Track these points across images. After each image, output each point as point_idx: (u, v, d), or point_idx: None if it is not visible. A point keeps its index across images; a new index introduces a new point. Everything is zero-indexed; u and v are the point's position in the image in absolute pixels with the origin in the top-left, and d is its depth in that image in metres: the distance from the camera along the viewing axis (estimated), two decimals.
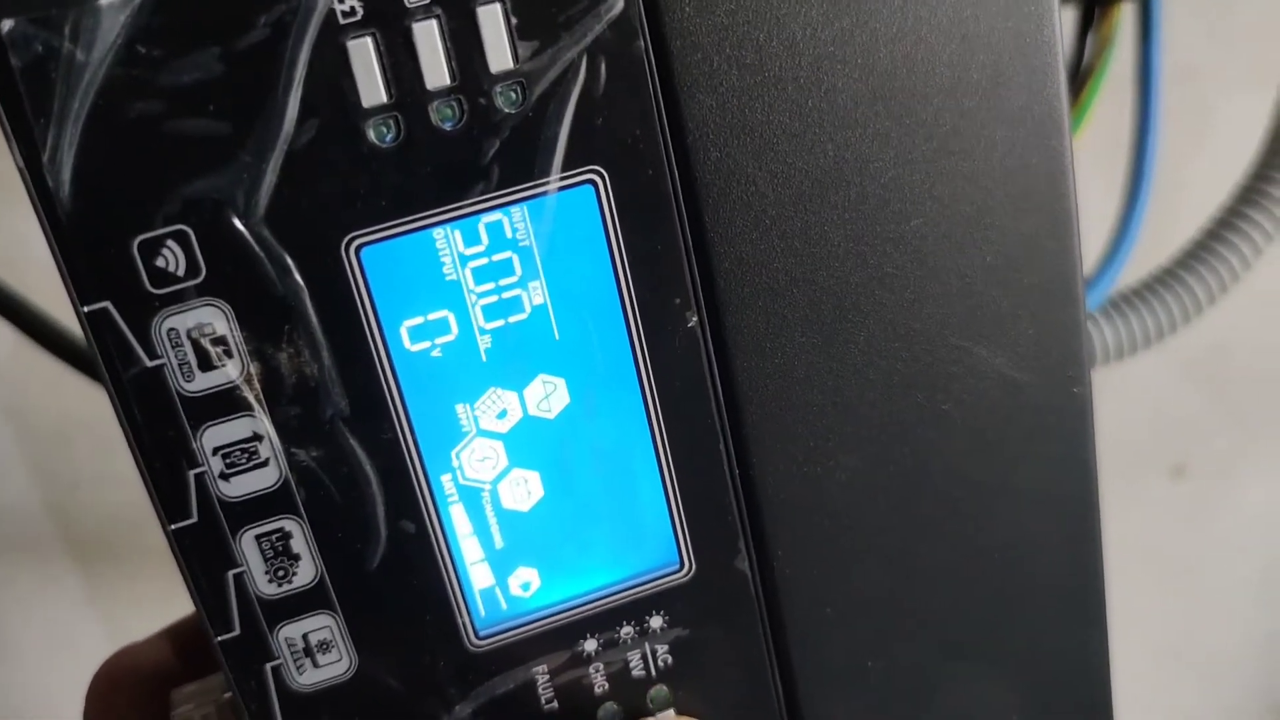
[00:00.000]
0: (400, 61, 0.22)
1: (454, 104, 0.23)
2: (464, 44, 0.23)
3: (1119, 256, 0.40)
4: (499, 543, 0.26)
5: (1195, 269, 0.40)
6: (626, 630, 0.27)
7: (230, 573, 0.25)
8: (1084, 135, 0.39)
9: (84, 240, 0.22)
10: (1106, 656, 0.30)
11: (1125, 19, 0.40)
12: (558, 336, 0.25)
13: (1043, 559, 0.29)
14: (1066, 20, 0.40)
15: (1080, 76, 0.39)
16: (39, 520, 0.55)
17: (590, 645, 0.27)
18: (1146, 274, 0.42)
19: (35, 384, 0.51)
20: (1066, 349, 0.27)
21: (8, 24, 0.21)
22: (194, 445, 0.24)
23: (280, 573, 0.25)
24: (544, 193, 0.24)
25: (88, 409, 0.45)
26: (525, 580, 0.27)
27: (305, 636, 0.26)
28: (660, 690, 0.28)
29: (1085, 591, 0.29)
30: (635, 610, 0.27)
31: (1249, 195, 0.40)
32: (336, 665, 0.26)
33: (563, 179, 0.24)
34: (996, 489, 0.28)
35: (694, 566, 0.27)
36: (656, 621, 0.27)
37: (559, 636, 0.27)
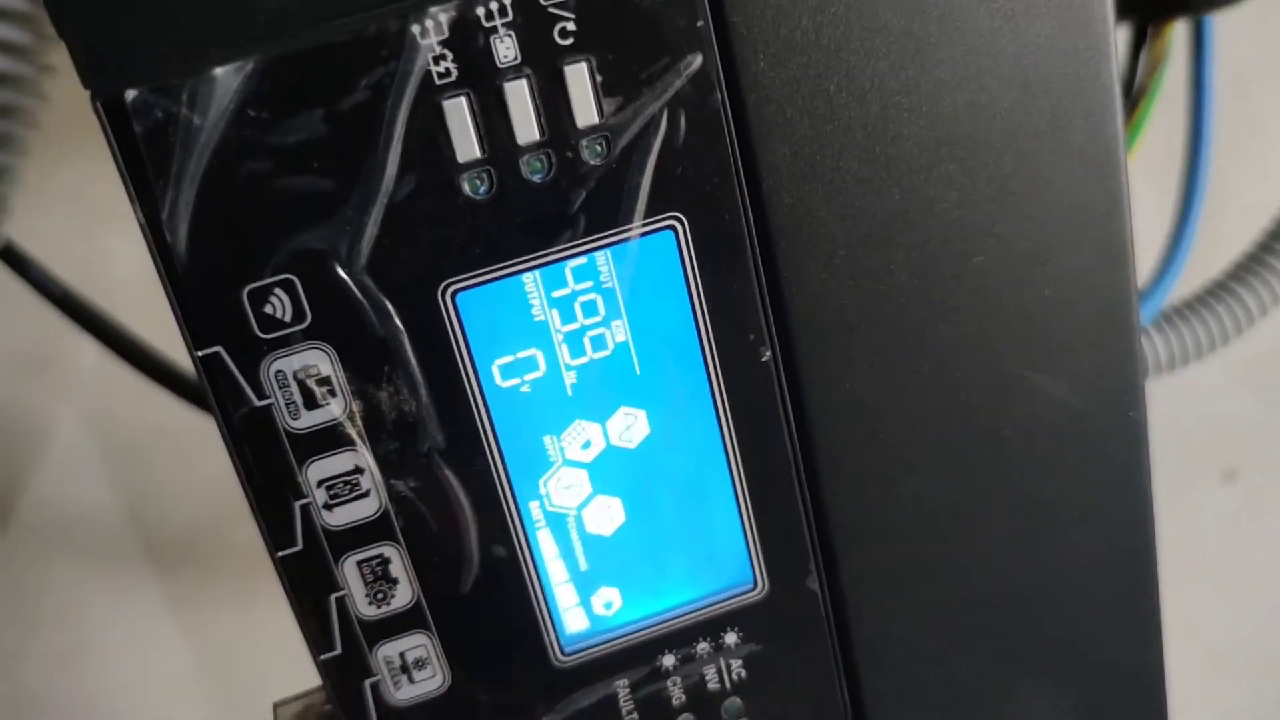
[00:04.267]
0: (492, 119, 0.24)
1: (543, 157, 0.24)
2: (552, 101, 0.24)
3: (1171, 271, 0.41)
4: (583, 565, 0.28)
5: (1248, 281, 0.41)
6: (703, 646, 0.29)
7: (333, 596, 0.26)
8: (1136, 151, 0.40)
9: (198, 290, 0.24)
10: (1162, 672, 0.31)
11: (1177, 35, 0.41)
12: (639, 371, 0.26)
13: (1100, 577, 0.30)
14: (1119, 39, 0.41)
15: (1133, 96, 0.40)
16: (120, 530, 0.57)
17: (669, 660, 0.29)
18: (1199, 285, 0.43)
19: (117, 395, 0.53)
20: (1122, 375, 0.28)
21: (131, 93, 0.22)
22: (300, 478, 0.25)
23: (379, 595, 0.27)
24: (627, 238, 0.25)
25: (169, 420, 0.47)
26: (608, 599, 0.28)
27: (402, 655, 0.27)
28: (734, 702, 0.29)
29: (1141, 608, 0.31)
30: (711, 627, 0.29)
31: None
32: (431, 681, 0.28)
33: (645, 225, 0.25)
34: (1055, 511, 0.29)
35: (767, 585, 0.28)
36: (731, 638, 0.29)
37: (639, 652, 0.28)
